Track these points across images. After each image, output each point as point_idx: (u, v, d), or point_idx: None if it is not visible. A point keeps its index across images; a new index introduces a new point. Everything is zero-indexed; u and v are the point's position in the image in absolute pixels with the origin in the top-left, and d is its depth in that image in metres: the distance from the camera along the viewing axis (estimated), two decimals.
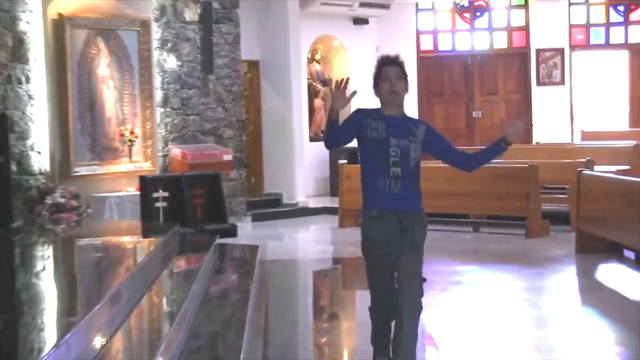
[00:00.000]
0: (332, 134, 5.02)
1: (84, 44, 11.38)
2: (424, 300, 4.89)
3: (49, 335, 4.29)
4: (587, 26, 17.56)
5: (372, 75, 5.03)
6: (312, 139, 15.54)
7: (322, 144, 16.85)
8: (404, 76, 4.96)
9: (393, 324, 4.90)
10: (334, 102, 4.92)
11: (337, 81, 5.05)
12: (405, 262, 4.83)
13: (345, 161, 14.71)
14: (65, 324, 4.33)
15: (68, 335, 3.90)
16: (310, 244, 12.23)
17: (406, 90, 4.98)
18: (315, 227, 13.14)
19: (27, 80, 10.93)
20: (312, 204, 14.38)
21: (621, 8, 17.54)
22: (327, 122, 5.09)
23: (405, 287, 4.80)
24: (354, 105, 5.09)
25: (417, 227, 4.90)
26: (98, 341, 4.34)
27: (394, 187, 4.85)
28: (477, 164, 5.12)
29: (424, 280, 4.91)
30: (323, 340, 6.87)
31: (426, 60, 17.29)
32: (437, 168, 11.28)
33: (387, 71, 4.94)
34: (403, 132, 4.88)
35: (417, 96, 16.63)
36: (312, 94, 15.80)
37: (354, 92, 4.98)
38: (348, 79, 5.05)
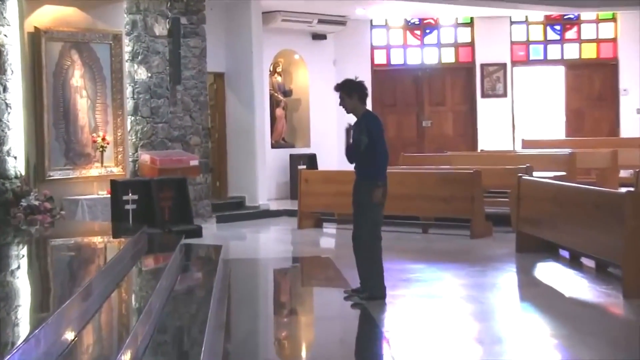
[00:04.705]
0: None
1: (59, 56, 11.26)
2: None
3: (22, 330, 4.22)
4: (527, 43, 17.76)
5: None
6: (273, 146, 15.49)
7: (283, 150, 16.82)
8: (346, 96, 7.02)
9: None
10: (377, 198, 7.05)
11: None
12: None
13: (304, 166, 14.70)
14: (37, 319, 4.28)
15: (37, 330, 3.85)
16: (271, 244, 12.16)
17: (351, 99, 7.03)
18: (276, 228, 13.10)
19: (5, 89, 10.78)
20: (274, 206, 14.34)
21: (557, 27, 17.77)
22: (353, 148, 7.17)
23: None
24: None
25: None
26: (68, 335, 4.29)
27: None
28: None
29: None
30: (283, 334, 6.84)
31: (379, 74, 17.32)
32: (388, 173, 11.31)
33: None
34: (358, 130, 7.05)
35: (371, 107, 16.63)
36: (274, 104, 15.74)
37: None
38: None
